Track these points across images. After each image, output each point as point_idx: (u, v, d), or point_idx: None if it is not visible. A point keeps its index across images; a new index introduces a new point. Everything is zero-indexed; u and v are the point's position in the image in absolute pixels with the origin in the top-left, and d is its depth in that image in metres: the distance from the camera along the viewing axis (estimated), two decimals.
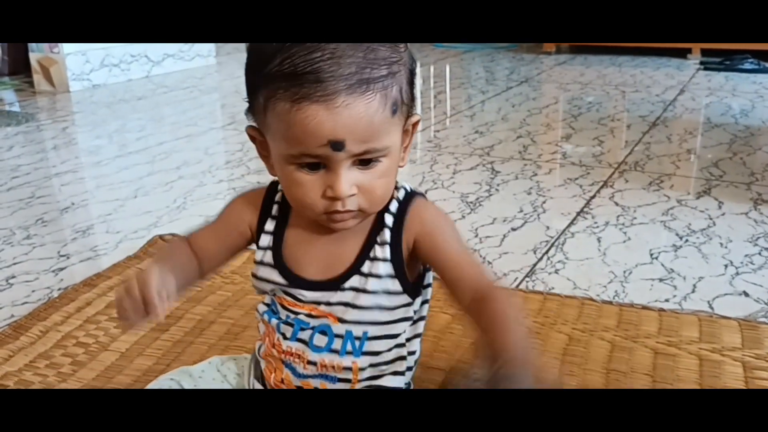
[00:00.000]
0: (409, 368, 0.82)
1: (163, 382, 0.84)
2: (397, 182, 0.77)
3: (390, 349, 0.78)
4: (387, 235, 0.75)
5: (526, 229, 1.62)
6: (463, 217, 1.70)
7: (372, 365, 0.78)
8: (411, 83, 0.72)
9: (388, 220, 0.75)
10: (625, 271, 1.40)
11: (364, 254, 0.75)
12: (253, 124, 0.74)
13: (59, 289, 1.37)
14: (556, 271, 1.41)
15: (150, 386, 0.84)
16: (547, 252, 1.50)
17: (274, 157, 0.72)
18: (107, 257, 1.51)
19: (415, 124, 0.75)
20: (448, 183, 1.94)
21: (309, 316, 0.77)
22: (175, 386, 0.83)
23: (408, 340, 0.80)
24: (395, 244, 0.75)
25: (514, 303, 0.73)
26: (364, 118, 0.66)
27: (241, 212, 0.81)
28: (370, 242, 0.75)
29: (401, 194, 0.77)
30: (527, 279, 1.38)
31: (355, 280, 0.75)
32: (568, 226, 1.63)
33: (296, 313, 0.77)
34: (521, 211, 1.73)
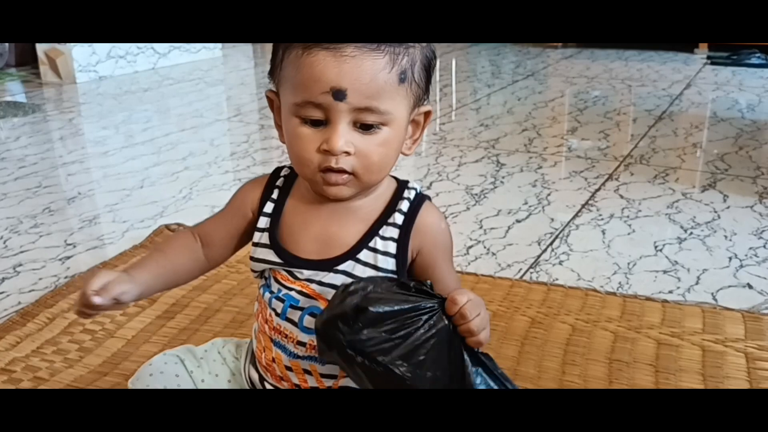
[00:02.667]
0: None
1: (168, 357, 0.85)
2: (407, 182, 0.78)
3: None
4: (395, 233, 0.75)
5: (531, 221, 1.63)
6: (468, 208, 1.70)
7: None
8: (426, 69, 0.73)
9: (398, 218, 0.75)
10: (629, 263, 1.40)
11: (364, 242, 0.75)
12: (273, 88, 0.76)
13: (66, 277, 1.38)
14: (561, 263, 1.41)
15: (154, 359, 0.85)
16: (551, 243, 1.50)
17: (283, 113, 0.73)
18: (114, 246, 1.52)
19: (426, 116, 0.76)
20: (453, 175, 1.94)
21: (301, 293, 0.76)
22: (177, 362, 0.84)
23: None
24: (402, 245, 0.75)
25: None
26: (369, 72, 0.67)
27: (245, 196, 0.82)
28: (372, 233, 0.75)
29: (412, 195, 0.77)
30: (531, 270, 1.38)
31: (349, 265, 0.75)
32: (573, 218, 1.64)
33: (289, 289, 0.77)
34: (526, 203, 1.73)
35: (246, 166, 2.07)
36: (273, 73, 0.74)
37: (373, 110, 0.69)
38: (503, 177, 1.93)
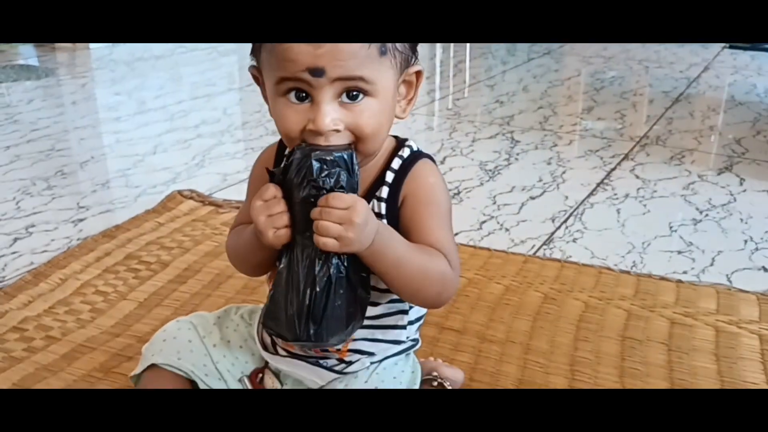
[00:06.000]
0: (411, 322, 0.81)
1: (181, 323, 0.84)
2: (405, 140, 0.77)
3: (388, 302, 0.77)
4: (385, 191, 0.74)
5: (545, 198, 1.61)
6: (482, 184, 1.69)
7: (371, 316, 0.76)
8: None
9: (389, 176, 0.74)
10: (643, 243, 1.39)
11: None
12: (255, 64, 0.74)
13: (78, 239, 1.38)
14: (574, 240, 1.40)
15: (168, 326, 0.85)
16: (565, 221, 1.49)
17: (268, 94, 0.71)
18: (126, 210, 1.52)
19: (418, 75, 0.73)
20: (467, 151, 1.93)
21: None
22: (191, 328, 0.84)
23: None
24: (392, 201, 0.74)
25: (441, 262, 0.72)
26: (346, 50, 0.65)
27: (262, 175, 0.79)
28: (368, 196, 0.74)
29: (405, 152, 0.75)
30: (545, 247, 1.38)
31: None
32: (588, 196, 1.62)
33: None
34: (540, 180, 1.72)
35: (259, 135, 2.06)
36: (254, 51, 0.72)
37: (355, 79, 0.66)
38: (518, 154, 1.91)
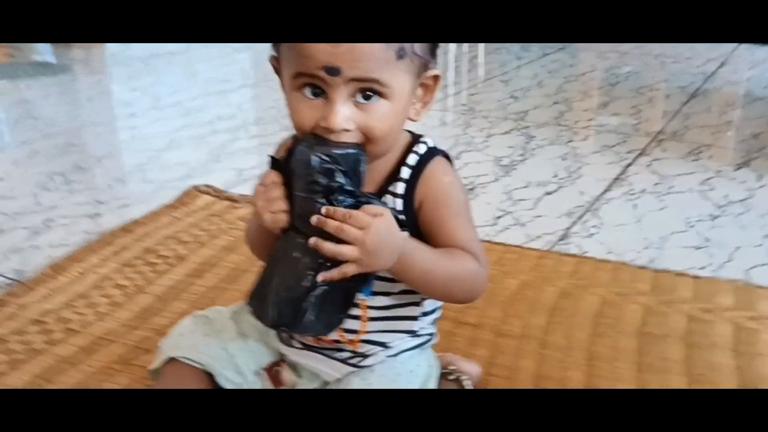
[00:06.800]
0: (425, 314, 0.81)
1: (197, 318, 0.85)
2: (421, 136, 0.77)
3: (401, 292, 0.78)
4: (401, 188, 0.74)
5: (561, 193, 1.61)
6: (497, 179, 1.69)
7: (382, 307, 0.78)
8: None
9: (405, 173, 0.74)
10: (660, 238, 1.38)
11: None
12: (275, 54, 0.74)
13: (96, 234, 1.39)
14: (591, 236, 1.40)
15: (184, 321, 0.86)
16: (581, 216, 1.48)
17: (284, 87, 0.72)
18: (143, 205, 1.52)
19: (435, 80, 0.74)
20: (481, 146, 1.93)
21: None
22: (206, 323, 0.85)
23: None
24: (409, 198, 0.74)
25: (468, 262, 0.73)
26: (365, 52, 0.65)
27: None
28: (382, 191, 0.75)
29: (421, 149, 0.75)
30: (561, 242, 1.37)
31: None
32: (604, 192, 1.62)
33: None
34: (556, 175, 1.71)
35: (273, 131, 2.06)
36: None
37: (371, 81, 0.66)
38: (533, 149, 1.90)
